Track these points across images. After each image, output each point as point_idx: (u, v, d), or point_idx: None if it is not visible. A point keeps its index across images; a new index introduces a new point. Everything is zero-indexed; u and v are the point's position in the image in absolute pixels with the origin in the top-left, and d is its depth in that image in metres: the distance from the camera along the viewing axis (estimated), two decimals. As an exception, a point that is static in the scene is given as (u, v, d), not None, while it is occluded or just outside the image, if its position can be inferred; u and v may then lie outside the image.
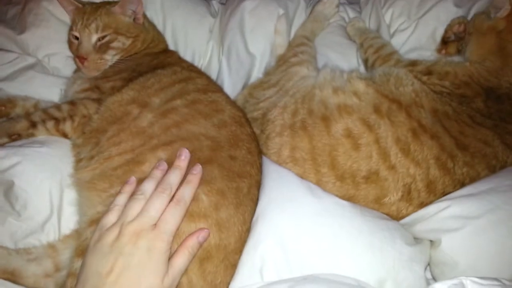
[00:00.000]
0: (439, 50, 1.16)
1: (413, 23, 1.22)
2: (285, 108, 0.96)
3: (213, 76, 1.22)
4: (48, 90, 1.08)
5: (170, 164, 0.75)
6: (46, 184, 0.83)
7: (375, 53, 1.14)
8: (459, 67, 0.99)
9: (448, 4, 1.19)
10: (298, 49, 1.15)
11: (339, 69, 1.09)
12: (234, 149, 0.83)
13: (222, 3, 1.34)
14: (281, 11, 1.24)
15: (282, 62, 1.14)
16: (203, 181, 0.74)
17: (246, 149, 0.86)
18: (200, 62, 1.26)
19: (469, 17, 1.17)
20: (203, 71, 1.12)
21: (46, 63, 1.16)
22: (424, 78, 0.98)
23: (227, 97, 0.98)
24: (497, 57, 0.97)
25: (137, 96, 0.89)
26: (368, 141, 0.85)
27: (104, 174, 0.78)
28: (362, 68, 1.20)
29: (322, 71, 1.06)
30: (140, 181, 0.73)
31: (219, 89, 1.01)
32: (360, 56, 1.20)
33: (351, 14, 1.34)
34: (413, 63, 1.04)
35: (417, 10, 1.23)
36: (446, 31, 1.13)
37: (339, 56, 1.21)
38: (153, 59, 1.05)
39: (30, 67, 1.12)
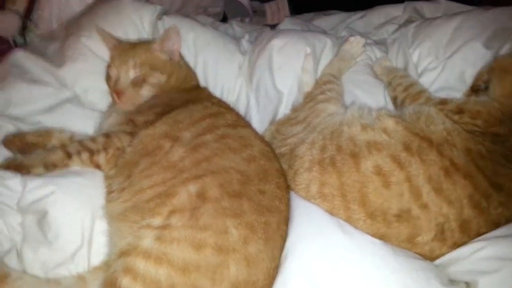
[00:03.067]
0: (467, 96, 1.15)
1: (441, 63, 1.23)
2: (313, 144, 0.96)
3: (241, 111, 1.25)
4: (83, 123, 1.12)
5: (199, 196, 0.76)
6: (79, 214, 0.85)
7: (404, 91, 1.14)
8: (490, 106, 0.98)
9: (477, 45, 1.19)
10: (326, 87, 1.17)
11: (367, 107, 1.10)
12: (263, 184, 0.83)
13: (251, 42, 1.38)
14: (309, 50, 1.27)
15: (310, 99, 1.16)
16: (232, 214, 0.74)
17: (275, 183, 0.86)
18: (229, 98, 1.29)
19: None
20: (232, 107, 1.14)
21: (83, 97, 1.21)
22: (456, 117, 0.98)
23: (255, 132, 1.00)
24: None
25: (169, 130, 0.92)
26: (399, 179, 0.84)
27: (136, 206, 0.80)
28: (390, 106, 1.20)
29: (350, 108, 1.06)
30: (170, 213, 0.74)
31: (248, 124, 1.03)
32: (388, 94, 1.21)
33: (378, 53, 1.36)
34: (443, 102, 1.04)
35: (444, 50, 1.24)
36: (476, 79, 1.13)
37: (366, 94, 1.22)
38: (186, 95, 1.08)
39: (67, 100, 1.17)
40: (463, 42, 1.22)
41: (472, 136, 0.91)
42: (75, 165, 0.94)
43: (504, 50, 1.17)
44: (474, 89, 1.13)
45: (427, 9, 1.60)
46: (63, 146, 0.97)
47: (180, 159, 0.85)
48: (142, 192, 0.81)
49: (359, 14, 1.66)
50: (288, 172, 0.96)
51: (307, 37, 1.32)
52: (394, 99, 1.17)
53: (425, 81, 1.23)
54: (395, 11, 1.63)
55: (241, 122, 1.01)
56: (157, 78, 1.07)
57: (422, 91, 1.12)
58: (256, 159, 0.87)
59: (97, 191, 0.90)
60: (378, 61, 1.32)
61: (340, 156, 0.91)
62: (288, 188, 0.90)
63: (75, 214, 0.85)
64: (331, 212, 0.86)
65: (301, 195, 0.90)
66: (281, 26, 1.52)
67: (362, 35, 1.48)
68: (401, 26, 1.49)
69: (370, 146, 0.90)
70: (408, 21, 1.53)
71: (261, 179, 0.84)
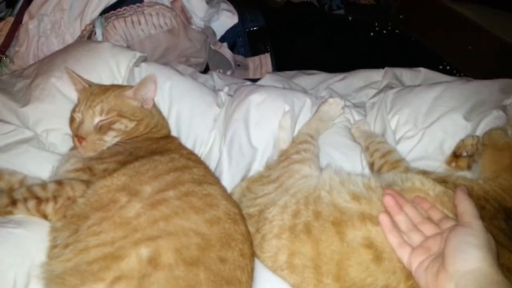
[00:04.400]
0: (449, 163, 1.12)
1: (419, 131, 1.21)
2: (285, 208, 0.89)
3: (213, 165, 1.18)
4: (39, 166, 1.04)
5: (151, 262, 0.67)
6: (12, 271, 0.75)
7: (382, 157, 1.11)
8: (473, 182, 0.95)
9: (457, 117, 1.19)
10: (301, 147, 1.12)
11: (344, 171, 1.05)
12: (225, 250, 0.75)
13: (229, 95, 1.35)
14: (287, 108, 1.24)
15: (284, 158, 1.11)
16: (186, 286, 0.66)
17: (239, 250, 0.78)
18: (201, 150, 1.22)
19: (478, 131, 1.16)
20: (202, 161, 1.08)
21: (44, 138, 1.13)
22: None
23: (223, 190, 0.93)
24: (510, 176, 0.93)
25: (128, 182, 0.84)
26: (393, 256, 0.77)
27: (77, 268, 0.70)
28: (366, 171, 1.16)
29: (325, 172, 1.01)
30: (115, 280, 0.65)
31: (216, 181, 0.97)
32: (365, 158, 1.17)
33: (356, 116, 1.34)
34: (424, 172, 1.00)
35: (423, 119, 1.23)
36: (459, 147, 1.10)
37: (343, 156, 1.18)
38: (153, 144, 1.02)
39: (26, 141, 1.09)
40: (443, 112, 1.21)
41: None
42: (19, 213, 0.84)
43: (483, 124, 1.16)
44: (456, 155, 1.11)
45: (406, 76, 1.62)
46: (10, 191, 0.88)
47: (135, 216, 0.77)
48: (87, 252, 0.72)
49: (340, 75, 1.66)
50: (255, 236, 0.88)
51: (287, 94, 1.29)
52: (371, 165, 1.13)
53: (403, 148, 1.20)
54: (375, 75, 1.64)
55: (209, 178, 0.94)
56: (125, 125, 1.01)
57: (400, 160, 1.09)
58: (221, 222, 0.80)
59: (38, 246, 0.80)
60: (356, 124, 1.30)
61: (319, 223, 0.84)
62: (252, 256, 0.82)
63: (7, 271, 0.74)
64: (299, 287, 0.78)
65: (267, 264, 0.82)
66: (262, 82, 1.50)
67: (341, 97, 1.47)
68: (380, 91, 1.49)
69: (364, 217, 0.83)
70: (388, 87, 1.54)
71: (223, 245, 0.76)
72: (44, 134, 1.13)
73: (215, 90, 1.40)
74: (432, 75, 1.60)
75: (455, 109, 1.21)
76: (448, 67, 1.92)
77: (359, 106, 1.44)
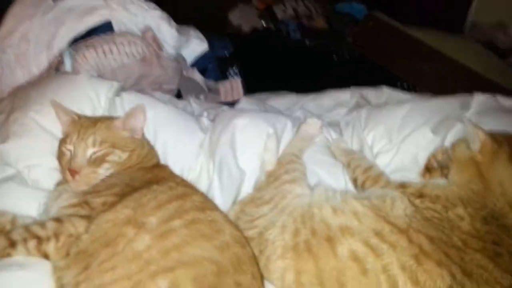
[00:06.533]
0: (423, 175, 1.22)
1: (394, 146, 1.30)
2: (285, 228, 0.93)
3: (203, 191, 1.19)
4: (26, 204, 1.01)
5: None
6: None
7: (364, 173, 1.17)
8: (448, 190, 1.03)
9: (425, 131, 1.29)
10: (290, 167, 1.17)
11: (331, 188, 1.10)
12: (239, 274, 0.77)
13: (210, 120, 1.37)
14: (271, 130, 1.28)
15: (274, 179, 1.14)
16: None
17: (250, 273, 0.80)
18: (190, 177, 1.23)
19: (445, 142, 1.27)
20: (196, 187, 1.09)
21: (26, 174, 1.09)
22: (417, 201, 1.01)
23: (224, 215, 0.95)
24: (479, 181, 1.02)
25: (132, 214, 0.84)
26: (375, 267, 0.82)
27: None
28: (349, 186, 1.22)
29: (316, 190, 1.06)
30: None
31: (215, 206, 0.98)
32: (348, 175, 1.23)
33: (334, 135, 1.41)
34: (403, 185, 1.08)
35: (397, 135, 1.32)
36: (429, 160, 1.20)
37: (328, 174, 1.24)
38: (147, 173, 1.02)
39: (9, 178, 1.06)
40: (413, 128, 1.31)
41: (431, 224, 0.94)
42: (19, 255, 0.81)
43: (450, 136, 1.27)
44: (429, 168, 1.20)
45: (371, 95, 1.73)
46: (6, 233, 0.84)
47: (146, 248, 0.77)
48: (104, 288, 0.71)
49: (310, 96, 1.74)
50: (259, 258, 0.90)
51: (268, 117, 1.34)
52: (355, 181, 1.20)
53: (381, 162, 1.29)
54: (343, 95, 1.74)
55: (209, 204, 0.96)
56: (118, 156, 1.01)
57: (381, 174, 1.16)
58: (230, 247, 0.82)
59: (43, 286, 0.77)
60: (335, 142, 1.37)
61: (316, 240, 0.88)
62: (262, 277, 0.84)
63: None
64: (309, 304, 0.81)
65: (277, 285, 0.84)
66: (240, 105, 1.54)
67: (317, 116, 1.54)
68: (352, 109, 1.58)
69: (343, 230, 0.89)
70: (357, 105, 1.64)
71: (237, 269, 0.78)
72: (26, 170, 1.09)
73: (195, 116, 1.43)
74: (394, 93, 1.73)
75: (423, 124, 1.32)
76: (405, 86, 2.08)
77: (334, 125, 1.52)
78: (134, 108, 1.07)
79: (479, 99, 1.37)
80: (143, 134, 1.13)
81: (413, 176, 1.23)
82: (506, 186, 0.97)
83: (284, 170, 1.16)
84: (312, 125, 1.35)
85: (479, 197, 0.99)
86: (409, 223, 0.91)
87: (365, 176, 1.17)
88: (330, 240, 0.87)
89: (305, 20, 2.69)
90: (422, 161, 1.24)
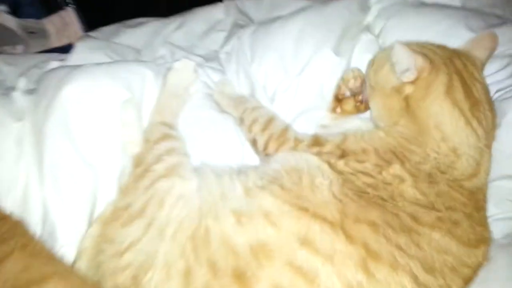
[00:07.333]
0: (333, 109, 0.95)
1: (293, 81, 0.99)
2: (169, 268, 0.61)
3: (37, 215, 0.79)
4: None
5: None
6: None
7: (264, 130, 0.86)
8: (375, 140, 0.77)
9: (327, 53, 0.99)
10: (161, 148, 0.81)
11: (227, 166, 0.79)
12: None
13: (30, 93, 0.90)
14: (124, 92, 0.88)
15: (142, 172, 0.78)
16: None
17: None
18: (10, 196, 0.80)
19: (352, 63, 1.00)
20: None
21: None
22: (341, 163, 0.74)
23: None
24: (411, 123, 0.77)
25: None
26: None
27: None
28: (248, 150, 0.91)
29: (204, 180, 0.74)
30: None
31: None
32: (244, 135, 0.91)
33: (214, 76, 1.05)
34: (317, 142, 0.79)
35: (293, 63, 1.00)
36: (339, 87, 0.93)
37: (218, 140, 0.91)
38: None
39: None
40: (311, 51, 1.00)
41: (367, 198, 0.68)
42: None
43: (357, 52, 1.01)
44: (339, 98, 0.94)
45: (249, 6, 1.35)
46: None
47: None
48: None
49: (176, 21, 1.29)
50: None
51: (117, 72, 0.92)
52: (254, 142, 0.88)
53: (281, 106, 0.98)
54: (216, 12, 1.33)
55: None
56: None
57: (286, 129, 0.85)
58: None
59: None
60: (217, 87, 1.01)
61: (219, 282, 0.58)
62: None
63: None
64: None
65: None
66: (73, 57, 1.06)
67: (187, 53, 1.15)
68: (231, 33, 1.21)
69: (256, 253, 0.59)
70: (236, 26, 1.26)
71: None
72: None
73: (6, 90, 0.94)
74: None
75: (323, 43, 1.01)
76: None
77: (211, 59, 1.14)
78: None
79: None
80: None
81: (322, 115, 0.96)
82: (446, 128, 0.73)
83: (154, 155, 0.80)
84: (182, 71, 0.97)
85: (415, 145, 0.74)
86: (341, 209, 0.65)
87: (266, 135, 0.86)
88: (241, 278, 0.57)
89: None
90: (329, 94, 0.97)
